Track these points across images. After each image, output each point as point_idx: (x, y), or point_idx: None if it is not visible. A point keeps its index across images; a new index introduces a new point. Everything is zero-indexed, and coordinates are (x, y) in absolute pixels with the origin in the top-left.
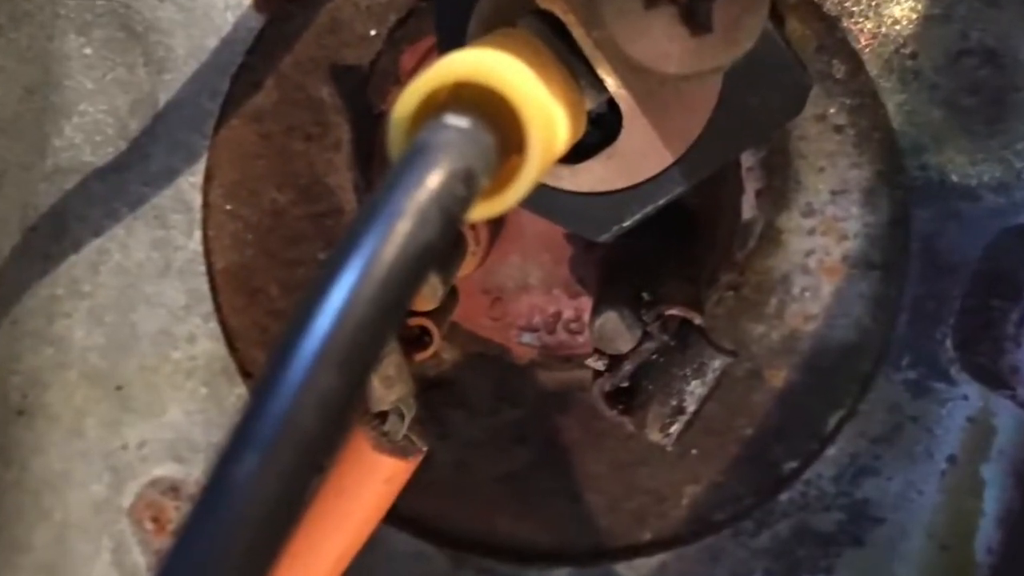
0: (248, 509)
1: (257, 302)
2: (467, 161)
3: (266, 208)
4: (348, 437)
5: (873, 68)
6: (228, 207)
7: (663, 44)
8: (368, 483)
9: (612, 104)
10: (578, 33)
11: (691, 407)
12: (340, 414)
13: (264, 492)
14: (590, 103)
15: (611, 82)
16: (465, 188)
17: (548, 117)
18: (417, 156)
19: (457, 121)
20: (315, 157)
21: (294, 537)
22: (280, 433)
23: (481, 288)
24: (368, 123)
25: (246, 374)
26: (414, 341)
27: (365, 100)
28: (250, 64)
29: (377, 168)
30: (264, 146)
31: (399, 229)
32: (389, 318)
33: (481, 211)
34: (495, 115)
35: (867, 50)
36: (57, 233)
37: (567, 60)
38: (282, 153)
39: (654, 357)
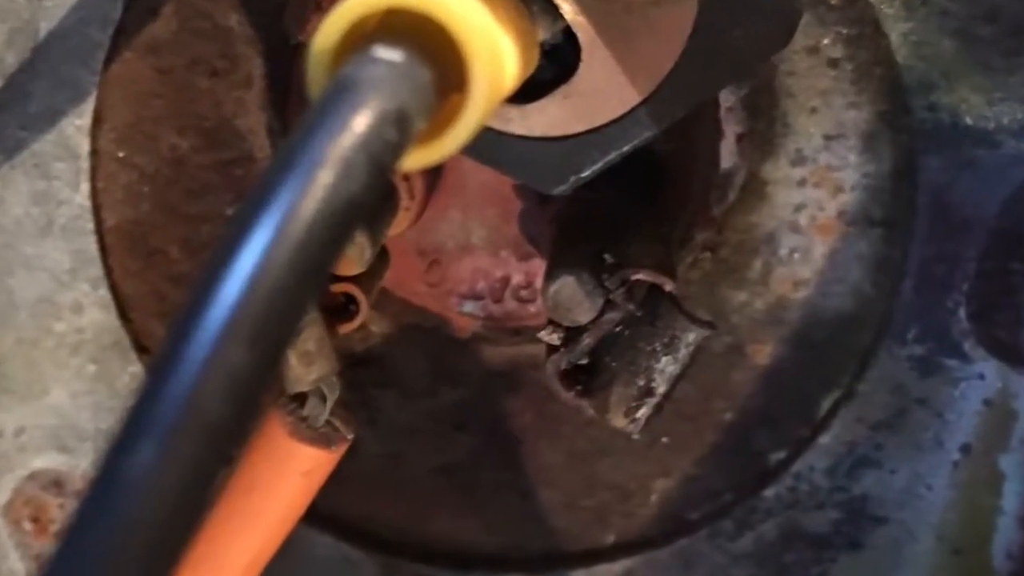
0: (144, 508)
1: (154, 265)
2: (399, 100)
3: (165, 155)
4: (261, 423)
5: None
6: (120, 154)
7: None
8: (284, 476)
9: (569, 34)
10: None
11: (661, 388)
12: (252, 396)
13: (163, 488)
14: (543, 32)
15: (567, 8)
16: (397, 132)
17: (494, 49)
18: (341, 95)
19: (388, 54)
20: (222, 96)
21: (198, 541)
22: (182, 419)
23: (416, 249)
24: (284, 56)
25: (142, 349)
26: (338, 311)
27: (280, 29)
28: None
29: (294, 109)
30: (162, 83)
31: (320, 180)
32: (309, 284)
33: (416, 159)
34: (432, 47)
35: None
36: None
37: None
38: (183, 91)
39: (618, 329)
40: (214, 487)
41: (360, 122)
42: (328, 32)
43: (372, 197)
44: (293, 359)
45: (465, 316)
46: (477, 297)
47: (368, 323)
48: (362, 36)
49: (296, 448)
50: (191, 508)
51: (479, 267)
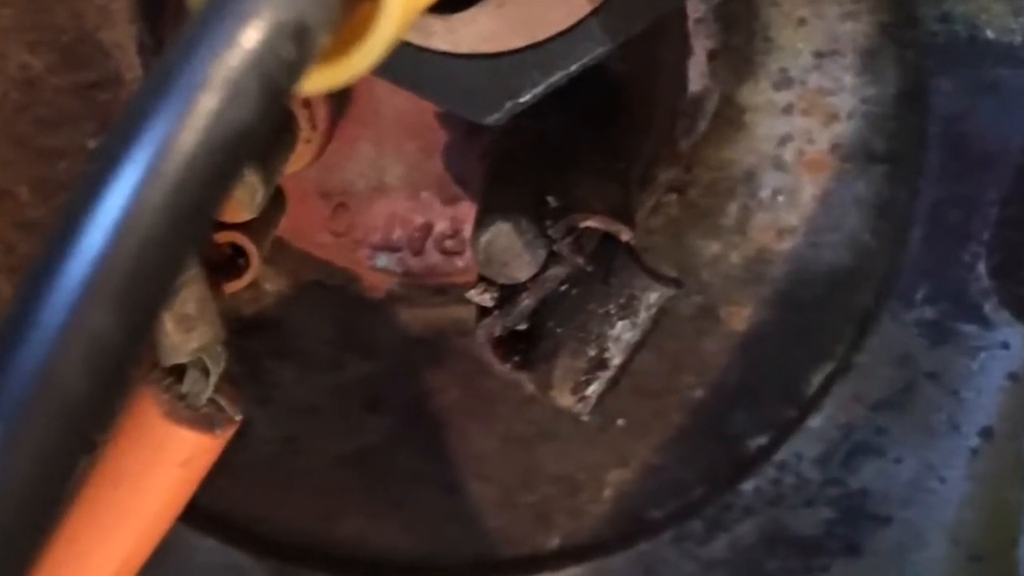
0: None
1: (1, 210)
2: (297, 10)
3: (14, 76)
4: (130, 402)
5: None
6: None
7: None
8: (159, 466)
9: None
10: None
11: (616, 359)
12: (118, 368)
13: (12, 477)
14: None
15: None
16: (295, 48)
17: None
18: (227, 3)
19: None
20: (83, 4)
21: (55, 541)
22: (34, 395)
23: (319, 191)
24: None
25: None
26: (224, 265)
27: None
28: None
29: (170, 20)
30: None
31: (202, 106)
32: (188, 233)
33: (319, 80)
34: None
35: None
36: None
37: None
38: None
39: (564, 288)
40: (73, 478)
41: (250, 36)
42: None
43: (265, 127)
44: (169, 324)
45: (378, 272)
46: (393, 249)
47: (260, 280)
48: None
49: (173, 432)
50: (45, 503)
51: (395, 213)
